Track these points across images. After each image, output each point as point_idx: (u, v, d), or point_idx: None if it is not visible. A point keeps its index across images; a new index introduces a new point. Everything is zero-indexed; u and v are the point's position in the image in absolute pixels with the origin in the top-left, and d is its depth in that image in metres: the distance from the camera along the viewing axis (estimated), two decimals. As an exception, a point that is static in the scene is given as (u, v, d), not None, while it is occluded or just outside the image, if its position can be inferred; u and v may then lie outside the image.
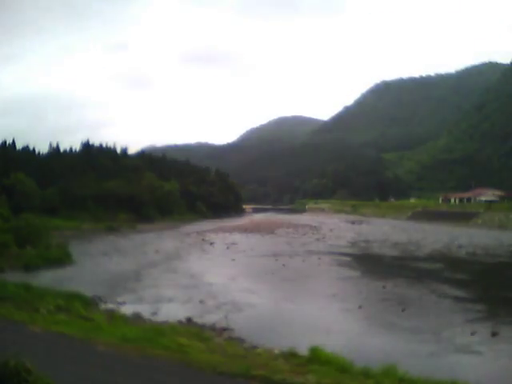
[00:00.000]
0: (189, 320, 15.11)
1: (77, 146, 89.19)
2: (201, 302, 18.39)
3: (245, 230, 60.97)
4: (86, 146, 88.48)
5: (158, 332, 11.24)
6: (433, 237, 52.70)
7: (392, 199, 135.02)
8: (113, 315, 14.52)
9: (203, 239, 46.13)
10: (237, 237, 50.00)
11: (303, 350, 9.80)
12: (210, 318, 15.42)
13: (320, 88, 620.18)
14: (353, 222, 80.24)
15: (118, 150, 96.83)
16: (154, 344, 9.65)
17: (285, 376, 7.74)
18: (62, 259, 29.28)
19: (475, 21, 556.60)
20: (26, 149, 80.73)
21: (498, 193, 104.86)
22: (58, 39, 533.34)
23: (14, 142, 78.07)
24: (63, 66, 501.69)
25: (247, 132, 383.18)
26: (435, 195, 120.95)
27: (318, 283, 24.08)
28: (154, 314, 16.03)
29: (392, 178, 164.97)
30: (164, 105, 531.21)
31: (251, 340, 12.42)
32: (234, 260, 31.74)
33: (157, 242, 44.96)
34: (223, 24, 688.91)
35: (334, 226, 69.81)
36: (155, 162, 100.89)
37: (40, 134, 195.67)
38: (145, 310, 16.48)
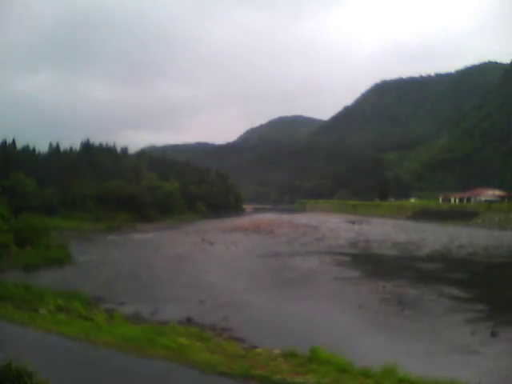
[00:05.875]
0: (189, 320, 15.10)
1: (77, 146, 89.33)
2: (201, 302, 18.39)
3: (245, 229, 60.93)
4: (86, 146, 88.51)
5: (157, 332, 11.23)
6: (433, 237, 52.68)
7: (392, 199, 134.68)
8: (113, 315, 14.53)
9: (203, 239, 46.09)
10: (237, 237, 49.97)
11: (303, 350, 9.79)
12: (210, 318, 15.41)
13: (320, 88, 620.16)
14: (353, 222, 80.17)
15: (118, 150, 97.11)
16: (153, 344, 9.65)
17: (284, 376, 7.73)
18: (61, 259, 29.30)
19: (475, 21, 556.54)
20: (26, 149, 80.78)
21: (498, 193, 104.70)
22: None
23: (14, 141, 78.11)
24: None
25: (247, 132, 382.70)
26: (435, 195, 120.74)
27: (317, 283, 24.06)
28: (154, 313, 16.04)
29: (392, 178, 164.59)
30: (164, 104, 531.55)
31: (251, 340, 12.42)
32: (234, 260, 31.75)
33: (156, 241, 44.98)
34: (221, 22, 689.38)
35: (334, 226, 69.77)
36: (155, 161, 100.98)
37: (39, 133, 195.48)
38: (144, 309, 16.48)
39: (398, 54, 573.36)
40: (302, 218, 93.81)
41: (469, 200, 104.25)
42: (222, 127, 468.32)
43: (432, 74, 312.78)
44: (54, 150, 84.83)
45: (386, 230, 62.90)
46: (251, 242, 45.34)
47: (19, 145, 79.67)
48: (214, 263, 30.68)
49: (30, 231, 32.22)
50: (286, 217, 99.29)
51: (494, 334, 14.11)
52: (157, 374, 7.57)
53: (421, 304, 18.84)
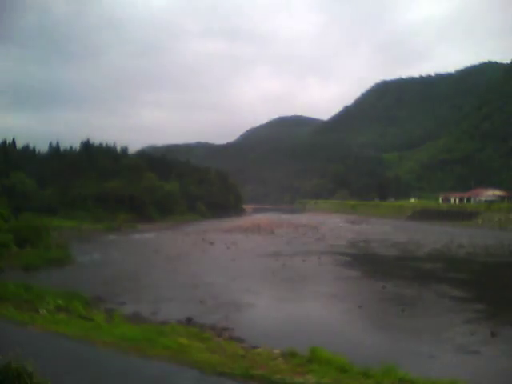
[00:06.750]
0: (189, 320, 15.10)
1: (77, 146, 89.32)
2: (201, 302, 18.38)
3: (245, 229, 60.95)
4: (86, 146, 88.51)
5: (157, 332, 11.22)
6: (433, 236, 52.68)
7: (392, 199, 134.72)
8: (112, 315, 14.52)
9: (203, 239, 46.10)
10: (237, 237, 49.96)
11: (303, 350, 9.79)
12: (210, 318, 15.42)
13: (320, 88, 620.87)
14: (353, 222, 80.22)
15: (118, 150, 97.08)
16: (154, 344, 9.65)
17: (284, 376, 7.73)
18: (61, 259, 29.31)
19: (475, 20, 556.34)
20: (26, 149, 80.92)
21: (498, 193, 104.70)
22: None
23: (14, 141, 78.21)
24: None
25: (247, 132, 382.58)
26: (435, 195, 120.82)
27: (317, 283, 24.06)
28: (154, 313, 16.04)
29: (392, 178, 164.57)
30: (164, 104, 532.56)
31: (251, 340, 12.41)
32: (234, 260, 31.73)
33: (157, 241, 44.99)
34: (220, 22, 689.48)
35: (333, 226, 69.77)
36: (155, 162, 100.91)
37: (40, 133, 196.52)
38: (145, 309, 16.49)
39: (397, 54, 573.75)
40: (302, 218, 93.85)
41: (469, 200, 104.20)
42: (222, 127, 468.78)
43: (432, 74, 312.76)
44: (54, 150, 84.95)
45: (385, 230, 62.90)
46: (251, 242, 45.33)
47: (19, 145, 79.86)
48: (214, 263, 30.68)
49: (30, 231, 32.25)
50: (285, 217, 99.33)
51: (493, 334, 14.09)
52: (157, 374, 7.57)
53: (421, 304, 18.84)
